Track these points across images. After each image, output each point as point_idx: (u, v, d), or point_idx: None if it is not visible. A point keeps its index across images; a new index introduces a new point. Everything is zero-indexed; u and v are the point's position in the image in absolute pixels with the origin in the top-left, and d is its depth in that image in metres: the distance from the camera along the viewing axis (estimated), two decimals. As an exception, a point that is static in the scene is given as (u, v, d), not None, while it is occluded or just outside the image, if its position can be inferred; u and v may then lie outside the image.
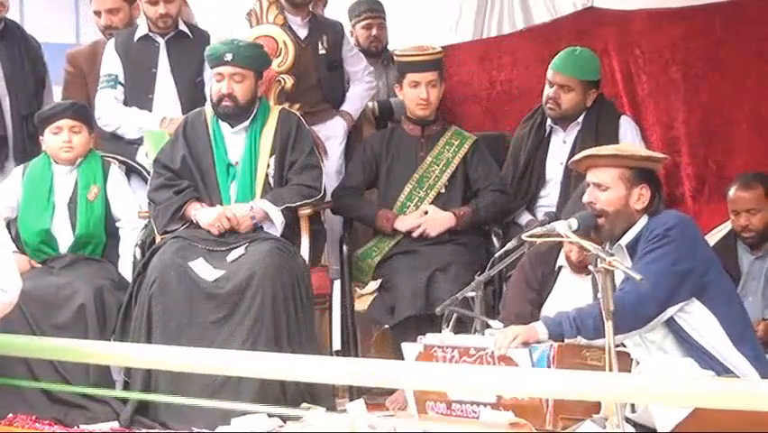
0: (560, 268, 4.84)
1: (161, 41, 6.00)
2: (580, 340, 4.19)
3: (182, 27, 6.05)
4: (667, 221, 4.21)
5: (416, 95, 5.71)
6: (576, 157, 4.47)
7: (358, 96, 6.30)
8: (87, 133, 5.60)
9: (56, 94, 6.37)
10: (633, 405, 4.00)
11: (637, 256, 4.22)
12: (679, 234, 4.17)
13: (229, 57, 5.37)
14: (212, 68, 5.50)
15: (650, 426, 4.00)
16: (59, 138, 5.54)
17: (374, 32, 6.75)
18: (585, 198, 4.33)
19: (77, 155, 5.57)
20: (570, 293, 4.74)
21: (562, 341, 4.17)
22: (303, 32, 6.10)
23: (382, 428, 4.39)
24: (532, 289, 4.87)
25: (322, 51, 6.11)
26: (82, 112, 5.64)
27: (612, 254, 3.97)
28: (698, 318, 4.18)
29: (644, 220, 4.27)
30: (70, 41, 8.81)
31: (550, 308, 4.74)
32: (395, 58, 5.98)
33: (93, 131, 5.68)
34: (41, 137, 5.68)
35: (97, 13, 6.34)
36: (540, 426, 4.03)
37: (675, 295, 4.16)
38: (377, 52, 6.75)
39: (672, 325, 4.20)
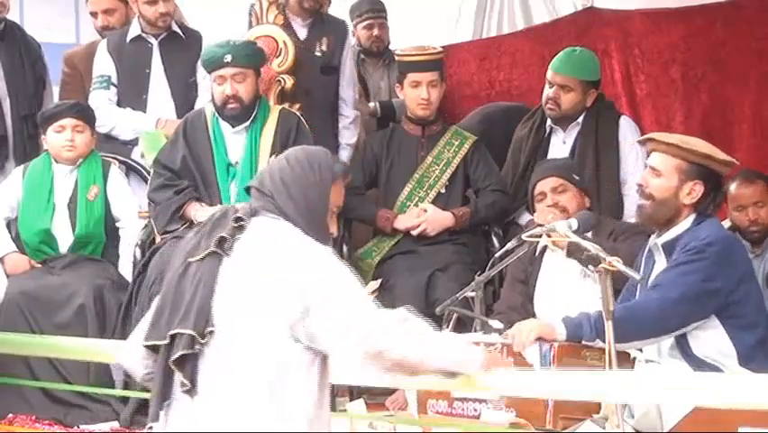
0: (544, 248, 4.87)
1: (154, 41, 6.00)
2: (598, 342, 4.18)
3: (174, 28, 6.05)
4: (708, 236, 4.15)
5: (416, 95, 5.72)
6: (642, 138, 4.43)
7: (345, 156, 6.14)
8: (90, 134, 5.61)
9: (56, 94, 6.37)
10: (630, 410, 4.00)
11: (672, 259, 4.19)
12: (715, 252, 4.11)
13: (228, 58, 5.36)
14: (211, 72, 5.47)
15: (648, 432, 4.00)
16: (61, 137, 5.54)
17: (376, 31, 6.75)
18: (638, 180, 4.32)
19: (80, 154, 5.57)
20: (557, 273, 4.80)
21: (580, 342, 4.16)
22: (302, 33, 6.07)
23: (382, 429, 4.39)
24: (518, 280, 4.96)
25: (318, 54, 6.05)
26: (85, 112, 5.65)
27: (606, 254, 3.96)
28: (710, 334, 4.16)
29: (687, 222, 4.22)
30: (70, 41, 8.78)
31: (541, 293, 4.84)
32: (396, 58, 5.98)
33: (95, 131, 5.68)
34: (42, 136, 5.69)
35: (94, 15, 6.34)
36: (540, 426, 4.03)
37: (699, 312, 4.12)
38: (378, 52, 6.75)
39: (679, 337, 4.19)
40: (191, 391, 3.03)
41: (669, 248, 4.23)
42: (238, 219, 3.13)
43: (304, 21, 6.08)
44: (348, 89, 6.19)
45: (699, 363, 4.12)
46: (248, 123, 5.48)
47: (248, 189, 3.28)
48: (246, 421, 2.99)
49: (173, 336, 3.06)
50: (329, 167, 3.29)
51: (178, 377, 3.06)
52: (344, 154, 6.07)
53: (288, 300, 3.03)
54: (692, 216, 4.23)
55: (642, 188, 4.26)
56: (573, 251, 4.55)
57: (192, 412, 3.04)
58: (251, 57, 5.43)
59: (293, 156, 3.29)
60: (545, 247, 4.86)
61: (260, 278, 3.05)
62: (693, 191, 4.19)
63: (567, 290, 4.77)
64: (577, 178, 5.10)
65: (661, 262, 4.27)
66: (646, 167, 4.31)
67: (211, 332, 3.03)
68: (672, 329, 4.12)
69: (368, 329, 3.02)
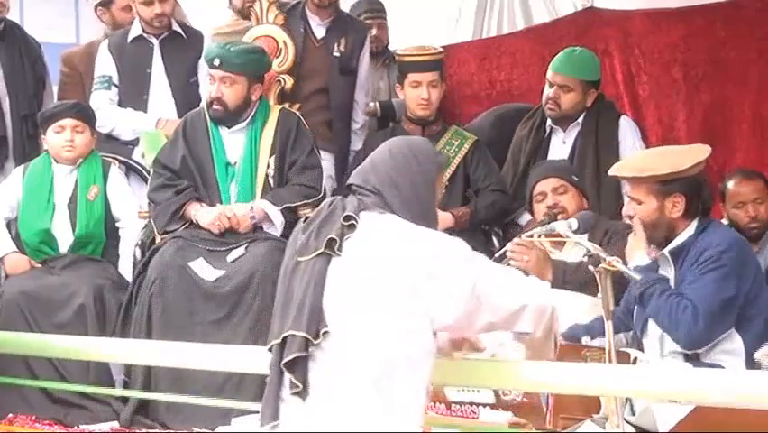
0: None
1: (155, 41, 6.00)
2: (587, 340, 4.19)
3: (175, 27, 6.04)
4: (721, 242, 4.14)
5: (417, 95, 5.72)
6: (609, 174, 4.44)
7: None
8: (90, 134, 5.61)
9: (56, 94, 6.37)
10: (632, 408, 4.00)
11: (684, 269, 4.17)
12: (730, 259, 4.11)
13: (217, 62, 5.36)
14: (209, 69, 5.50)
15: (649, 429, 3.99)
16: (61, 137, 5.54)
17: (374, 31, 6.73)
18: (624, 211, 4.34)
19: (80, 155, 5.57)
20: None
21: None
22: (320, 32, 6.04)
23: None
24: None
25: (336, 54, 6.02)
26: (85, 112, 5.65)
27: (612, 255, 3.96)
28: (730, 344, 4.17)
29: (691, 229, 4.21)
30: (70, 41, 8.79)
31: None
32: (396, 58, 5.98)
33: (95, 131, 5.68)
34: (43, 136, 5.69)
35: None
36: (540, 426, 4.03)
37: (726, 322, 4.13)
38: (378, 52, 6.74)
39: None
40: (302, 393, 3.02)
41: (676, 255, 4.22)
42: (348, 218, 3.09)
43: (322, 20, 6.05)
44: (361, 92, 6.19)
45: (702, 365, 4.12)
46: (245, 124, 5.47)
47: (349, 187, 3.23)
48: (359, 420, 2.96)
49: (285, 337, 3.05)
50: (432, 157, 3.28)
51: (288, 379, 3.04)
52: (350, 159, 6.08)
53: (419, 289, 3.01)
54: (694, 223, 4.22)
55: (632, 219, 4.29)
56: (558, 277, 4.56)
57: (305, 414, 3.01)
58: (241, 65, 5.37)
59: (396, 148, 3.26)
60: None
61: (374, 274, 3.03)
62: (676, 204, 4.20)
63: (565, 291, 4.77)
64: (576, 179, 5.11)
65: (666, 268, 4.26)
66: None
67: (326, 333, 3.01)
68: (705, 343, 4.13)
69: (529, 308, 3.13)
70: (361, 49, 6.13)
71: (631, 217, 4.30)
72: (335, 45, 6.02)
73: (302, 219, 3.25)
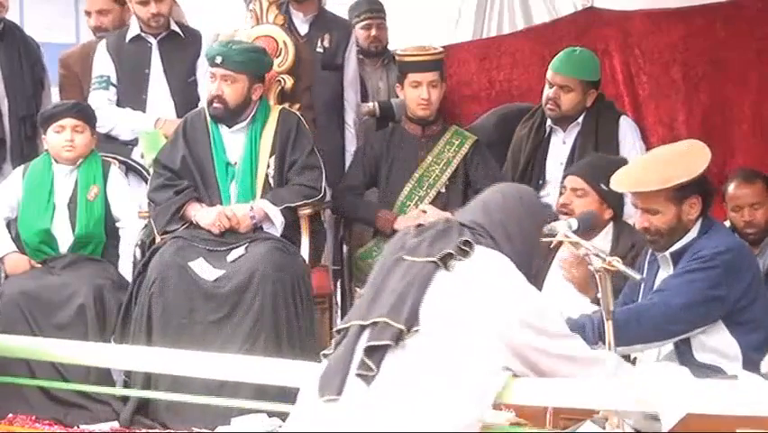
0: (559, 243, 4.82)
1: (153, 41, 6.00)
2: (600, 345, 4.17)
3: (174, 27, 6.04)
4: (718, 245, 4.11)
5: (417, 95, 5.72)
6: (621, 190, 4.37)
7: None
8: (90, 134, 5.61)
9: (55, 95, 6.37)
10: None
11: (679, 266, 4.16)
12: (723, 261, 4.08)
13: (219, 60, 5.37)
14: (210, 66, 5.50)
15: (648, 432, 3.98)
16: (61, 137, 5.54)
17: (374, 32, 6.74)
18: (638, 225, 4.26)
19: (80, 155, 5.57)
20: (561, 280, 4.77)
21: None
22: (304, 29, 6.07)
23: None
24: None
25: (319, 50, 6.05)
26: (85, 112, 5.64)
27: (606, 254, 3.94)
28: (715, 338, 4.14)
29: (694, 231, 4.18)
30: (70, 41, 8.80)
31: (547, 288, 4.78)
32: (396, 58, 5.98)
33: (95, 131, 5.68)
34: (43, 136, 5.69)
35: (87, 14, 6.34)
36: (540, 426, 4.03)
37: (704, 318, 4.09)
38: (377, 52, 6.74)
39: (679, 343, 4.17)
40: (369, 378, 3.11)
41: (676, 257, 4.20)
42: (467, 243, 3.24)
43: (305, 16, 6.08)
44: (350, 91, 6.19)
45: (699, 368, 4.11)
46: (245, 123, 5.47)
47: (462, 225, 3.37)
48: (457, 422, 3.08)
49: (374, 323, 3.17)
50: (539, 206, 3.53)
51: (358, 360, 3.13)
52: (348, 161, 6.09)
53: (504, 331, 3.16)
54: (698, 224, 4.21)
55: (647, 230, 4.20)
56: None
57: (368, 399, 3.09)
58: (242, 63, 5.38)
59: (507, 192, 3.46)
60: (560, 243, 4.80)
61: (475, 303, 3.16)
62: (693, 206, 4.16)
63: (572, 287, 4.75)
64: (605, 188, 4.73)
65: (666, 270, 4.25)
66: (637, 209, 4.24)
67: (417, 331, 3.13)
68: (676, 334, 4.10)
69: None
70: (346, 46, 6.15)
71: (646, 229, 4.23)
72: (319, 41, 6.03)
73: (415, 225, 3.40)
